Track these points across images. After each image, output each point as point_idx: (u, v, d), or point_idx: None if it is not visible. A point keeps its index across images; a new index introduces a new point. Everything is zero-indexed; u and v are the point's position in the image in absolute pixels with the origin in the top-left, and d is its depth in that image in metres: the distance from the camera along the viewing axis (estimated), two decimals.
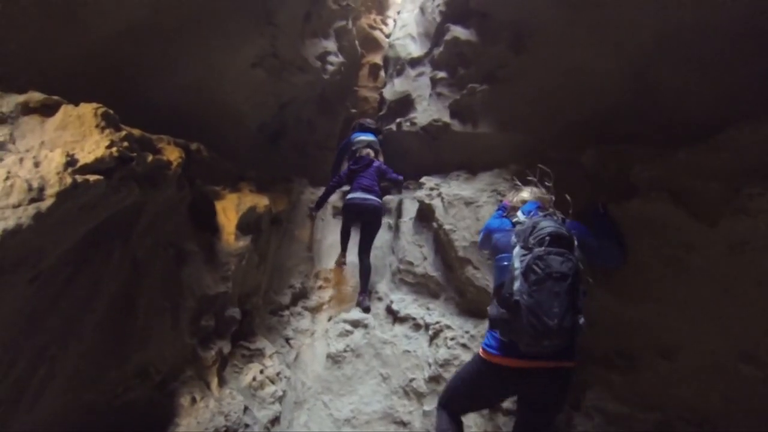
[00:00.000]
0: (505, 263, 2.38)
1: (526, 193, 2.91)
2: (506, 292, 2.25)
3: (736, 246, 2.21)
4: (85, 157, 2.21)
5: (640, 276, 2.68)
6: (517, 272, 2.20)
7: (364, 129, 6.31)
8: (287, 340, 4.35)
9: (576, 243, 2.33)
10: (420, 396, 3.61)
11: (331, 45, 6.38)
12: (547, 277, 2.12)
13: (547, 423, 2.37)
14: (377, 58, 8.87)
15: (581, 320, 2.16)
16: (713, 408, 2.37)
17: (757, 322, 2.19)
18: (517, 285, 2.18)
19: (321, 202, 5.72)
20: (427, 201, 4.65)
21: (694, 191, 2.40)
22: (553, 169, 2.95)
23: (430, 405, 3.47)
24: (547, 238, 2.23)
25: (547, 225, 2.30)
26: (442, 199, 4.46)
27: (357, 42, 8.13)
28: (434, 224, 4.47)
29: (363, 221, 5.20)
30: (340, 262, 5.52)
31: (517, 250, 2.30)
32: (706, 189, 2.35)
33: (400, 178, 5.61)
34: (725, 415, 2.32)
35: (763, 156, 2.20)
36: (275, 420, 3.38)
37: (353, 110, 8.44)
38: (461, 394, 2.61)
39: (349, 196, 5.23)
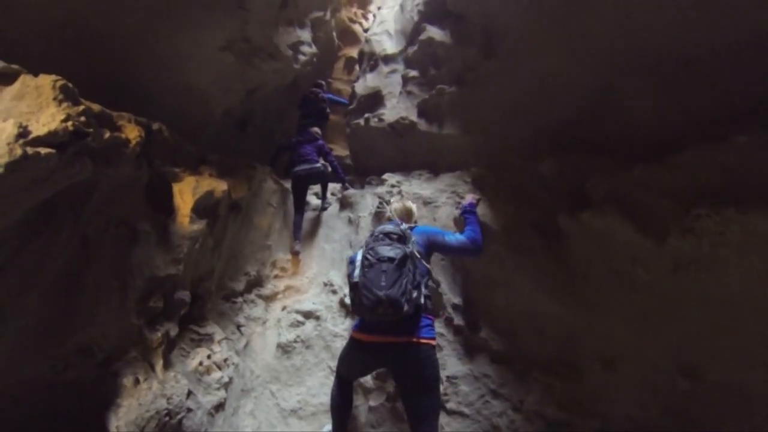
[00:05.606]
0: (354, 259, 2.88)
1: (392, 209, 3.52)
2: (350, 277, 2.79)
3: (681, 264, 2.29)
4: (38, 129, 2.18)
5: (587, 286, 2.77)
6: (357, 263, 2.75)
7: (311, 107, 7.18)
8: (238, 327, 4.33)
9: (413, 238, 2.91)
10: (366, 392, 3.61)
11: (305, 35, 6.36)
12: (377, 261, 2.63)
13: (420, 398, 2.57)
14: (354, 52, 8.86)
15: (415, 294, 2.61)
16: (651, 419, 2.46)
17: (698, 340, 2.28)
18: (356, 272, 2.71)
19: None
20: (387, 198, 4.70)
21: (646, 207, 2.48)
22: (512, 175, 3.01)
23: (376, 401, 3.52)
24: (380, 234, 2.87)
25: (383, 227, 2.97)
26: (402, 197, 4.51)
27: (335, 34, 8.12)
28: None
29: (308, 185, 6.14)
30: (294, 251, 5.58)
31: (362, 250, 2.85)
32: (658, 206, 2.43)
33: (335, 161, 6.38)
34: (663, 427, 2.41)
35: (715, 179, 2.29)
36: (219, 406, 3.36)
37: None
38: (343, 363, 3.06)
39: (296, 168, 5.93)
